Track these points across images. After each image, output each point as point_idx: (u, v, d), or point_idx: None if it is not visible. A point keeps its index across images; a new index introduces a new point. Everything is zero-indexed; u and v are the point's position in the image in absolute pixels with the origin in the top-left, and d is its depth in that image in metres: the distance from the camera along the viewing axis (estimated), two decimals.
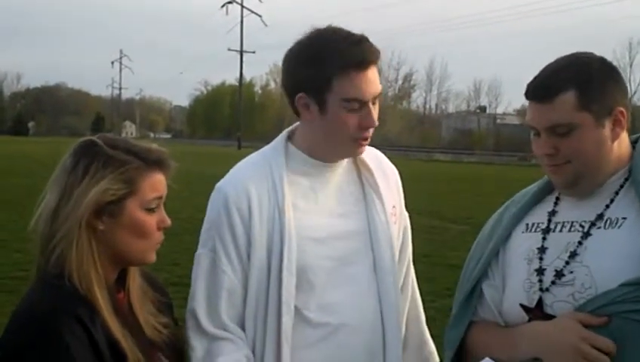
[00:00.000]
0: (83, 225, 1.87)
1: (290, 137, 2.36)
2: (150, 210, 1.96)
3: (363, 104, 2.19)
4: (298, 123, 2.36)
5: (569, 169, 1.99)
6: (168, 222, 2.00)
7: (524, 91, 2.05)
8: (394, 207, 2.42)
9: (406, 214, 2.53)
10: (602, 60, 2.03)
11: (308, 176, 2.30)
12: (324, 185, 2.32)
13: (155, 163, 1.97)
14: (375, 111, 2.23)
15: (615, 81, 2.01)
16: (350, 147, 2.27)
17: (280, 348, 2.18)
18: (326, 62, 2.16)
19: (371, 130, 2.25)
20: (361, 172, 2.39)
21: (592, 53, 2.05)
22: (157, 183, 1.97)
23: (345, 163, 2.36)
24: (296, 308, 2.21)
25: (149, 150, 1.98)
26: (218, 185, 2.30)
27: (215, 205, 2.26)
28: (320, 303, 2.24)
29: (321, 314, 2.23)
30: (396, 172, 2.52)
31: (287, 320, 2.19)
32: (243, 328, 2.23)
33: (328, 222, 2.28)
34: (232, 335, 2.20)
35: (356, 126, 2.21)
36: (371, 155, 2.42)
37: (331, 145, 2.27)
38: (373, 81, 2.20)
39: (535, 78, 2.03)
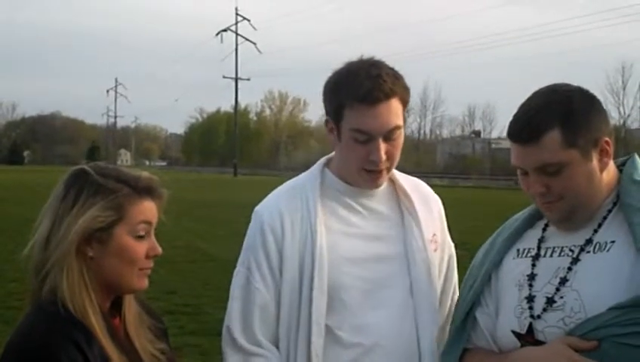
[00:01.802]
0: (73, 251, 1.89)
1: (328, 163, 2.45)
2: (139, 237, 1.97)
3: (371, 138, 2.24)
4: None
5: (562, 205, 1.99)
6: (159, 250, 2.01)
7: (506, 132, 2.04)
8: (434, 234, 2.46)
9: (451, 243, 2.58)
10: (581, 91, 2.02)
11: (342, 200, 2.39)
12: (359, 209, 2.39)
13: (144, 190, 1.99)
14: (390, 146, 2.27)
15: (597, 111, 2.00)
16: (361, 177, 2.33)
17: None
18: (340, 92, 2.25)
19: (382, 165, 2.28)
20: (400, 198, 2.44)
21: (568, 85, 2.04)
22: (146, 210, 1.98)
23: (384, 189, 2.42)
24: (328, 327, 2.28)
25: (139, 178, 2.00)
26: (256, 209, 2.43)
27: (252, 227, 2.40)
28: (353, 324, 2.30)
29: (354, 335, 2.29)
30: (439, 202, 2.58)
31: (318, 338, 2.26)
32: (277, 346, 2.30)
33: (363, 245, 2.35)
34: (265, 351, 2.28)
35: (362, 158, 2.27)
36: (412, 185, 2.50)
37: (348, 172, 2.36)
38: (384, 116, 2.23)
39: (515, 119, 2.01)
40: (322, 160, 2.47)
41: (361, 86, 2.21)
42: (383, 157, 2.26)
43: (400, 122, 2.28)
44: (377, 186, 2.38)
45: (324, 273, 2.28)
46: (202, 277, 11.95)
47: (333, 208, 2.37)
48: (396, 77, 2.28)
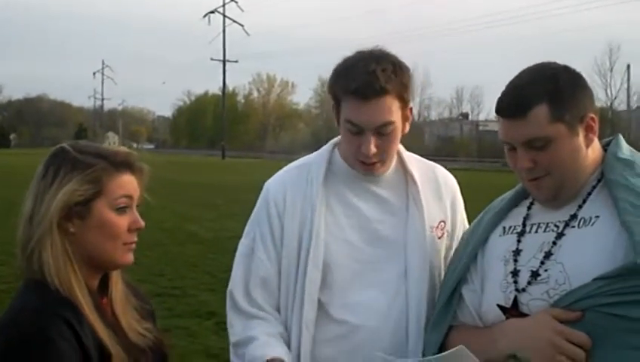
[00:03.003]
0: (54, 227, 1.90)
1: (338, 144, 2.52)
2: (120, 210, 1.98)
3: (362, 131, 2.28)
4: None
5: (549, 182, 2.01)
6: (141, 223, 2.02)
7: (494, 108, 2.06)
8: (442, 221, 2.49)
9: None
10: (567, 69, 2.05)
11: (347, 184, 2.45)
12: (362, 193, 2.45)
13: (122, 164, 1.99)
14: (382, 140, 2.30)
15: (583, 87, 2.04)
16: (357, 165, 2.39)
17: (300, 337, 2.34)
18: (336, 83, 2.32)
19: (373, 158, 2.32)
20: (409, 184, 2.47)
21: (555, 63, 2.07)
22: (125, 183, 1.99)
23: (391, 173, 2.46)
24: (320, 302, 2.37)
25: (116, 152, 2.01)
26: (266, 183, 2.53)
27: (260, 200, 2.50)
28: (342, 302, 2.37)
29: (342, 312, 2.37)
30: (454, 189, 2.59)
31: (309, 312, 2.35)
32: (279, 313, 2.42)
33: (362, 227, 2.42)
34: (267, 314, 2.39)
35: (355, 148, 2.33)
36: (428, 170, 2.54)
37: (347, 158, 2.43)
38: (375, 111, 2.26)
39: (504, 94, 2.04)
40: (333, 140, 2.53)
41: (354, 80, 2.25)
42: (373, 150, 2.29)
43: (392, 118, 2.28)
44: (374, 175, 2.42)
45: (320, 250, 2.36)
46: (189, 259, 11.97)
47: (336, 189, 2.44)
48: (395, 73, 2.27)
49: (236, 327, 2.40)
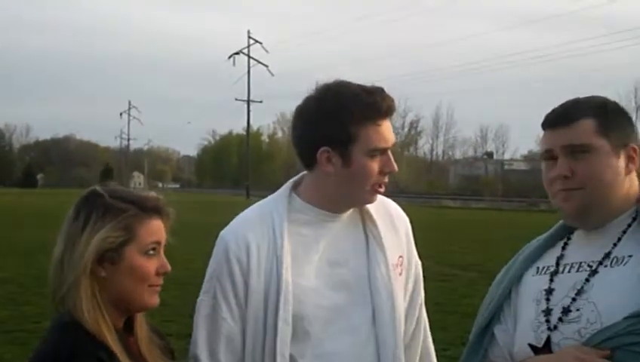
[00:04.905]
0: (87, 273, 1.94)
1: (295, 187, 2.40)
2: (149, 255, 2.01)
3: (385, 151, 2.27)
4: (303, 173, 2.40)
5: (581, 196, 2.00)
6: (168, 267, 2.06)
7: (541, 122, 2.08)
8: (400, 257, 2.44)
9: (418, 262, 2.54)
10: (615, 102, 2.11)
11: (309, 226, 2.34)
12: (325, 235, 2.34)
13: (151, 209, 2.04)
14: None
15: (628, 119, 2.09)
16: (368, 194, 2.32)
17: None
18: (351, 115, 2.22)
19: (387, 177, 2.31)
20: (366, 223, 2.41)
21: (603, 96, 2.12)
22: (155, 229, 2.03)
23: (349, 214, 2.39)
24: (292, 357, 2.26)
25: (146, 198, 2.06)
26: (221, 233, 2.36)
27: (216, 253, 2.34)
28: (316, 353, 2.28)
29: None
30: (406, 221, 2.54)
31: None
32: None
33: (327, 272, 2.32)
34: None
35: (378, 173, 2.28)
36: (380, 204, 2.44)
37: (349, 196, 2.32)
38: (391, 128, 2.31)
39: (552, 110, 2.08)
40: (289, 183, 2.42)
41: (374, 103, 2.23)
42: (395, 168, 2.32)
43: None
44: (375, 200, 2.37)
45: (289, 304, 2.25)
46: None
47: (299, 234, 2.32)
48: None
49: None
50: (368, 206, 2.39)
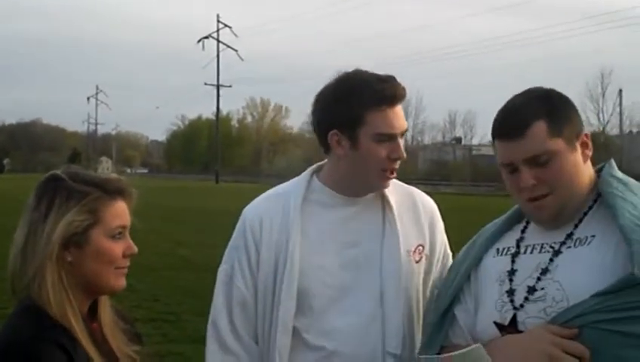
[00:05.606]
0: (53, 258, 1.92)
1: (317, 171, 2.54)
2: (115, 237, 2.01)
3: (393, 137, 2.33)
4: (327, 159, 2.51)
5: (551, 201, 2.02)
6: (135, 248, 2.05)
7: (491, 133, 2.08)
8: (420, 245, 2.50)
9: (449, 253, 2.61)
10: (557, 91, 2.11)
11: (325, 207, 2.47)
12: (342, 217, 2.46)
13: (115, 191, 2.03)
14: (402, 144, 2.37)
15: (573, 106, 2.10)
16: (378, 179, 2.41)
17: None
18: (358, 99, 2.32)
19: (398, 163, 2.38)
20: (385, 210, 2.49)
21: (543, 87, 2.12)
22: (119, 211, 2.03)
23: (369, 200, 2.48)
24: (296, 329, 2.39)
25: (108, 180, 2.05)
26: (244, 209, 2.56)
27: (238, 227, 2.54)
28: (319, 328, 2.39)
29: (318, 339, 2.37)
30: (433, 212, 2.61)
31: (282, 339, 2.36)
32: (257, 341, 2.45)
33: (338, 252, 2.42)
34: (241, 351, 2.43)
35: (385, 158, 2.35)
36: (406, 195, 2.55)
37: (360, 179, 2.42)
38: (401, 116, 2.38)
39: (499, 118, 2.08)
40: (312, 167, 2.56)
41: (383, 89, 2.32)
42: (404, 153, 2.39)
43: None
44: (387, 186, 2.46)
45: (294, 279, 2.37)
46: (184, 284, 11.94)
47: (313, 215, 2.45)
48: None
49: (213, 359, 2.47)
50: (389, 194, 2.48)
